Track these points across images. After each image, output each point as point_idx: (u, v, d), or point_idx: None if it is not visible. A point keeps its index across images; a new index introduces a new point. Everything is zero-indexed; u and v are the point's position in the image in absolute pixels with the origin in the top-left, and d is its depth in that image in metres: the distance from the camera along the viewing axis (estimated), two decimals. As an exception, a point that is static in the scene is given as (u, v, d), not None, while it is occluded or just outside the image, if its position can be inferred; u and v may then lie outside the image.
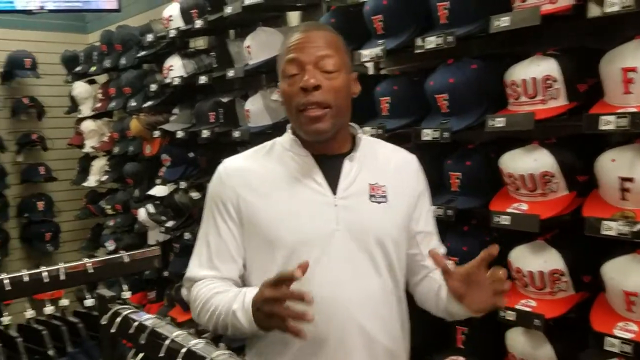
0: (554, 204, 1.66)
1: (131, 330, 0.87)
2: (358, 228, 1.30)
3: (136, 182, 3.91)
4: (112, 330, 0.91)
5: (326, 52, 1.27)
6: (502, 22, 1.67)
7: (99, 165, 4.45)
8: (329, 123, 1.27)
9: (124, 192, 4.19)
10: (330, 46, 1.29)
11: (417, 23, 2.03)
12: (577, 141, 1.72)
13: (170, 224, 3.42)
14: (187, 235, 3.26)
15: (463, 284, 1.23)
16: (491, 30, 1.70)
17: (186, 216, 3.38)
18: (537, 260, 1.69)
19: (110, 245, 4.17)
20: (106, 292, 0.99)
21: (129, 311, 0.93)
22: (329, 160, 1.34)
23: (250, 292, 1.15)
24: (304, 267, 1.06)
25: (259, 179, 1.33)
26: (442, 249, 1.47)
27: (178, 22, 3.22)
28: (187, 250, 3.47)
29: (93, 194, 4.71)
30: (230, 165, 1.38)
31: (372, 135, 1.76)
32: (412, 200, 1.40)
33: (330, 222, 1.29)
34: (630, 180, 1.49)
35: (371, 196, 1.33)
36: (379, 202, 1.33)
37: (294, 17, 3.01)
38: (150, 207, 3.57)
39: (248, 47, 2.76)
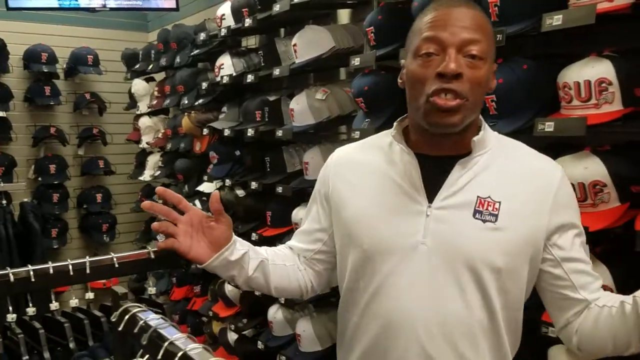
0: (604, 216, 1.54)
1: (135, 330, 0.86)
2: (449, 246, 1.11)
3: (186, 178, 3.98)
4: (120, 328, 0.90)
5: (474, 35, 1.07)
6: (555, 20, 1.57)
7: (153, 160, 4.58)
8: (460, 117, 1.08)
9: (175, 187, 4.28)
10: (480, 29, 1.08)
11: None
12: (633, 149, 1.60)
13: (215, 220, 3.45)
14: (231, 232, 3.27)
15: None
16: (543, 28, 1.60)
17: (230, 213, 3.41)
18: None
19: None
20: (119, 289, 0.98)
21: (137, 309, 0.92)
22: (440, 162, 1.15)
23: None
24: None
25: (357, 171, 1.24)
26: (598, 282, 1.18)
27: (230, 21, 3.25)
28: (231, 248, 3.49)
29: (148, 188, 4.85)
30: (336, 154, 1.32)
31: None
32: (540, 224, 1.13)
33: (416, 234, 1.13)
34: (691, 193, 1.37)
35: (476, 212, 1.11)
36: (484, 221, 1.11)
37: (344, 14, 2.97)
38: (198, 203, 3.63)
39: (295, 45, 2.74)
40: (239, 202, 3.28)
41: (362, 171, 1.23)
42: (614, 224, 1.54)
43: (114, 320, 0.93)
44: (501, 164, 1.15)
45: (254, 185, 3.08)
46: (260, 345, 3.12)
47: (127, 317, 0.90)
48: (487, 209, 1.11)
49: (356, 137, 2.40)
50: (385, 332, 1.15)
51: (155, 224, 1.18)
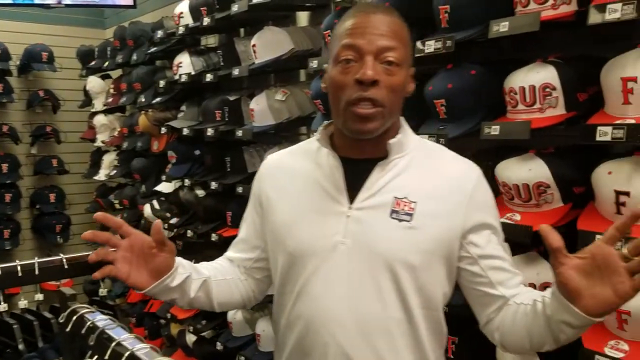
0: (547, 216, 1.61)
1: (83, 331, 0.86)
2: (366, 245, 1.14)
3: (143, 178, 3.93)
4: (68, 330, 0.90)
5: (391, 42, 1.10)
6: (502, 27, 1.63)
7: (109, 159, 4.50)
8: (377, 124, 1.12)
9: (132, 188, 4.22)
10: (396, 36, 1.12)
11: (420, 26, 1.99)
12: (576, 152, 1.67)
13: (174, 220, 3.43)
14: (189, 233, 3.26)
15: (582, 274, 0.97)
16: (490, 35, 1.66)
17: (190, 214, 3.39)
18: (529, 272, 1.64)
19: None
20: (67, 290, 0.98)
21: (85, 311, 0.91)
22: (363, 165, 1.18)
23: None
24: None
25: (286, 176, 1.27)
26: (517, 278, 1.21)
27: (188, 19, 3.23)
28: (190, 248, 3.47)
29: (103, 188, 4.76)
30: (270, 160, 1.35)
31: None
32: (455, 224, 1.16)
33: (336, 234, 1.16)
34: (626, 194, 1.44)
35: (393, 212, 1.15)
36: (400, 220, 1.14)
37: (303, 17, 2.99)
38: (155, 203, 3.59)
39: (254, 46, 2.75)
40: (199, 202, 3.27)
41: (290, 175, 1.26)
42: (557, 223, 1.60)
43: (61, 321, 0.93)
44: (420, 166, 1.20)
45: (214, 185, 3.07)
46: (219, 346, 3.11)
47: (74, 318, 0.90)
48: (403, 209, 1.15)
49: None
50: (307, 333, 1.18)
51: (91, 255, 1.13)
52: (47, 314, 1.34)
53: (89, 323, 0.86)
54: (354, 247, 1.15)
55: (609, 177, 1.48)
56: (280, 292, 1.26)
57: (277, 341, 1.30)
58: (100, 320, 0.87)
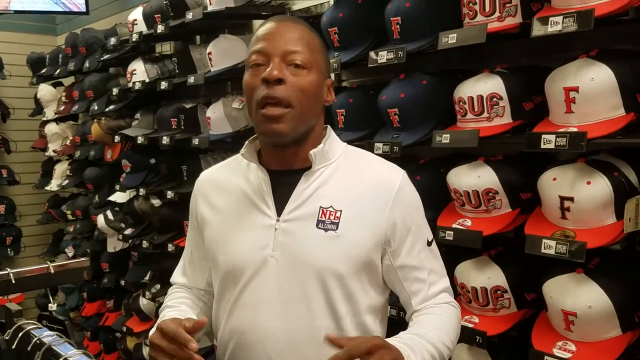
0: (496, 221, 1.66)
1: (29, 348, 0.84)
2: (294, 257, 1.15)
3: (96, 188, 3.84)
4: (13, 347, 0.87)
5: (296, 47, 1.14)
6: (450, 39, 1.68)
7: (61, 169, 4.37)
8: (288, 125, 1.12)
9: (85, 198, 4.12)
10: (302, 41, 1.15)
11: (374, 37, 2.03)
12: (523, 159, 1.73)
13: (128, 231, 3.36)
14: (145, 244, 3.20)
15: None
16: (439, 46, 1.71)
17: (146, 224, 3.33)
18: (480, 276, 1.69)
19: (70, 251, 4.09)
20: (13, 306, 0.95)
21: (31, 327, 0.89)
22: (289, 176, 1.19)
23: (163, 321, 1.07)
24: (196, 327, 1.01)
25: (219, 193, 1.26)
26: (434, 287, 1.23)
27: (142, 27, 3.18)
28: (145, 259, 3.41)
29: (56, 199, 4.63)
30: (202, 176, 1.34)
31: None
32: (379, 229, 1.17)
33: (265, 248, 1.16)
34: (570, 199, 1.50)
35: (319, 222, 1.15)
36: (326, 230, 1.15)
37: (259, 25, 2.99)
38: (109, 214, 3.51)
39: (209, 53, 2.73)
40: (155, 212, 3.21)
41: (221, 190, 1.26)
42: (505, 228, 1.65)
43: (7, 338, 0.90)
44: (346, 173, 1.20)
45: (170, 194, 3.02)
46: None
47: (20, 334, 0.87)
48: (329, 218, 1.15)
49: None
50: (240, 346, 1.18)
51: None
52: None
53: (35, 339, 0.84)
54: (283, 260, 1.15)
55: (554, 183, 1.54)
56: (216, 307, 1.26)
57: (217, 355, 1.27)
58: (47, 336, 0.85)
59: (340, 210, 1.16)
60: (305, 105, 1.14)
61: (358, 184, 1.19)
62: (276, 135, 1.14)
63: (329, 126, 1.26)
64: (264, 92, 1.12)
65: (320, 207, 1.16)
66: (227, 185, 1.26)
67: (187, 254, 1.37)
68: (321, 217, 1.16)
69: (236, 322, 1.19)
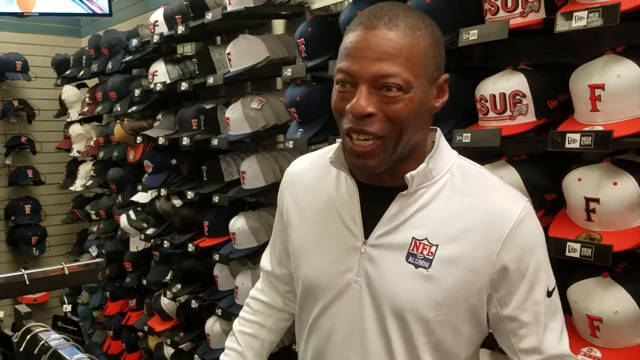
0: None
1: (36, 351, 0.83)
2: (376, 289, 1.02)
3: (119, 188, 3.88)
4: (21, 349, 0.87)
5: (391, 68, 0.92)
6: (471, 35, 1.63)
7: (85, 169, 4.43)
8: (379, 159, 0.96)
9: (108, 198, 4.17)
10: (400, 57, 0.92)
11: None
12: (547, 158, 1.68)
13: (150, 231, 3.38)
14: (166, 244, 3.22)
15: None
16: (460, 43, 1.66)
17: (167, 224, 3.35)
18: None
19: (93, 251, 4.14)
20: (22, 308, 0.95)
21: (40, 329, 0.88)
22: (382, 193, 1.03)
23: None
24: None
25: (307, 193, 1.16)
26: (551, 349, 1.03)
27: (163, 28, 3.20)
28: (166, 259, 3.43)
29: (80, 199, 4.69)
30: (293, 169, 1.23)
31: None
32: (482, 274, 0.99)
33: (349, 271, 1.05)
34: (596, 200, 1.45)
35: (410, 255, 1.00)
36: (417, 267, 0.99)
37: (278, 25, 2.98)
38: (132, 214, 3.54)
39: (229, 54, 2.73)
40: (176, 212, 3.23)
41: (310, 191, 1.15)
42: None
43: (16, 340, 0.90)
44: (449, 199, 1.01)
45: (190, 195, 3.03)
46: (197, 358, 3.07)
47: (28, 337, 0.87)
48: (421, 253, 0.99)
49: (290, 146, 2.42)
50: None
51: None
52: (8, 332, 1.30)
53: (42, 342, 0.83)
54: (366, 289, 1.03)
55: (579, 184, 1.48)
56: (298, 318, 1.20)
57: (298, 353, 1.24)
58: (54, 339, 0.84)
59: (437, 246, 0.99)
60: (403, 130, 0.96)
61: (464, 214, 1.00)
62: (366, 170, 1.00)
63: (438, 131, 1.07)
64: (349, 124, 0.96)
65: (413, 238, 1.00)
66: (316, 186, 1.15)
67: (273, 243, 1.31)
68: (412, 249, 1.00)
69: (315, 341, 1.13)
